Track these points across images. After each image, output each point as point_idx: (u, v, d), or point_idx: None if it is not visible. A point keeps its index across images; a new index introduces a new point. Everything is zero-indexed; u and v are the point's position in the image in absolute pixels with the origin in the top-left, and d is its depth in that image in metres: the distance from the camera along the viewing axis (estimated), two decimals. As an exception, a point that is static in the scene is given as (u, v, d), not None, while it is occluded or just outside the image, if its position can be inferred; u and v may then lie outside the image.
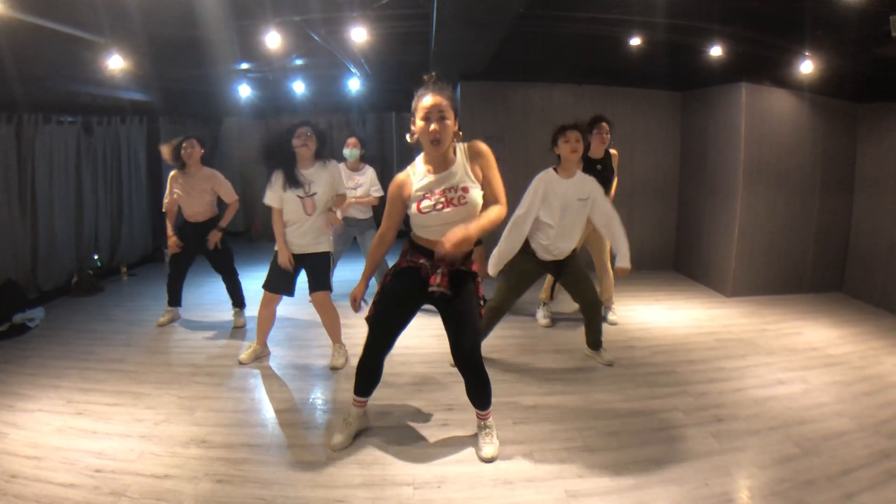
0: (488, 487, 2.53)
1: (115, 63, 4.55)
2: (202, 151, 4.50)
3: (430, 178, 2.50)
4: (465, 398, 2.93)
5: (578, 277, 3.76)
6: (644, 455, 2.79)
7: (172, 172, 4.51)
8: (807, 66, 4.88)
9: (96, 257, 6.37)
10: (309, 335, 4.47)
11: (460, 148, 2.55)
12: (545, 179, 3.61)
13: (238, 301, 4.76)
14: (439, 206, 2.47)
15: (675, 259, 6.77)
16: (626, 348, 4.22)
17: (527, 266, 3.74)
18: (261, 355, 4.01)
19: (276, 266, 3.72)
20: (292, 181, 3.56)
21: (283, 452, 2.82)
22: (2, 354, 4.07)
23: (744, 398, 3.41)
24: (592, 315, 3.88)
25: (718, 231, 5.83)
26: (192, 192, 4.48)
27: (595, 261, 4.73)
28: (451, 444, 2.89)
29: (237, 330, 4.64)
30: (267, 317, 3.90)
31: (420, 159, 2.58)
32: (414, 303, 2.70)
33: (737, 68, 5.27)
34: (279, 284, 3.76)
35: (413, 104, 2.47)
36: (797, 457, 2.77)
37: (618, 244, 3.66)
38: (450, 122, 2.42)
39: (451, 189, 2.47)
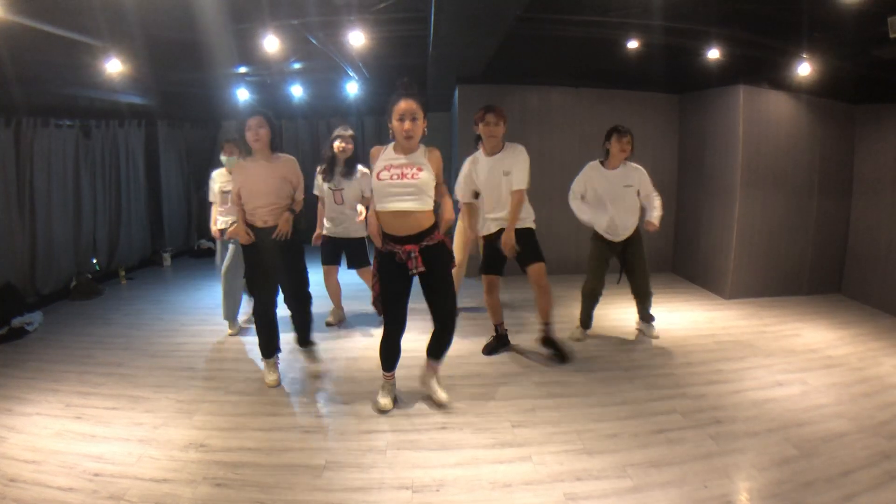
0: (487, 490, 2.53)
1: (114, 67, 4.56)
2: (271, 133, 3.53)
3: (395, 156, 3.03)
4: (463, 403, 2.95)
5: (636, 266, 4.32)
6: (643, 457, 2.79)
7: (236, 164, 3.64)
8: (804, 68, 4.89)
9: (95, 261, 6.37)
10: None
11: (422, 147, 3.08)
12: (588, 172, 4.23)
13: (304, 338, 3.88)
14: (395, 176, 2.95)
15: (673, 261, 6.77)
16: (624, 350, 4.22)
17: (598, 249, 4.30)
18: (341, 318, 4.84)
19: (324, 247, 4.58)
20: (329, 176, 4.44)
21: (281, 456, 2.82)
22: (0, 358, 4.07)
23: (742, 400, 3.41)
24: (639, 300, 4.48)
25: (717, 233, 5.83)
26: (266, 180, 3.47)
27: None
28: (450, 448, 2.88)
29: (312, 373, 3.84)
30: (332, 287, 4.70)
31: (391, 145, 3.09)
32: (405, 279, 3.12)
33: (734, 70, 5.29)
34: (330, 258, 4.61)
35: (388, 106, 2.99)
36: (796, 458, 2.77)
37: (652, 205, 4.20)
38: (419, 121, 2.95)
39: (408, 167, 2.97)
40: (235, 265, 4.36)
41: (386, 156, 3.04)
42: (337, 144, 4.38)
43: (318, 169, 4.54)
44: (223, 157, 4.67)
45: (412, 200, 2.96)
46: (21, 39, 3.89)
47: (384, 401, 3.28)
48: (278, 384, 3.65)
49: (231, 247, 4.45)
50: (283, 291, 3.73)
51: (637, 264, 4.31)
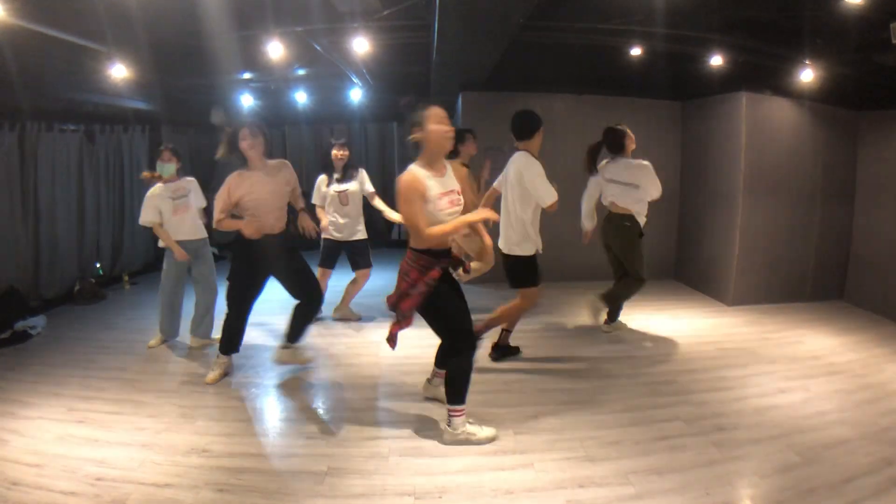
0: (489, 497, 2.53)
1: (118, 72, 4.59)
2: (265, 142, 3.56)
3: (437, 181, 2.79)
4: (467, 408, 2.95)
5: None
6: (645, 465, 2.79)
7: (232, 175, 3.50)
8: (807, 75, 4.90)
9: (98, 265, 6.38)
10: (309, 347, 4.47)
11: (447, 163, 2.97)
12: (608, 164, 4.60)
13: (297, 335, 3.80)
14: (453, 203, 2.84)
15: (675, 268, 6.77)
16: (626, 357, 4.21)
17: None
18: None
19: (324, 249, 4.82)
20: (332, 180, 4.74)
21: (283, 462, 2.82)
22: (3, 362, 4.08)
23: (745, 407, 3.41)
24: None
25: (719, 240, 5.83)
26: (272, 189, 3.55)
27: None
28: (452, 455, 2.88)
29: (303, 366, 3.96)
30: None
31: (416, 166, 2.80)
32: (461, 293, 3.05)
33: (737, 77, 5.29)
34: (329, 261, 4.86)
35: (420, 116, 2.76)
36: (799, 465, 2.76)
37: None
38: None
39: (452, 192, 2.85)
40: (172, 280, 4.48)
41: (432, 182, 2.77)
42: (334, 152, 4.72)
43: (320, 179, 4.80)
44: (159, 165, 4.22)
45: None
46: (26, 44, 3.91)
47: (487, 433, 3.03)
48: (216, 382, 3.73)
49: (165, 262, 4.45)
50: (298, 295, 3.73)
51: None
